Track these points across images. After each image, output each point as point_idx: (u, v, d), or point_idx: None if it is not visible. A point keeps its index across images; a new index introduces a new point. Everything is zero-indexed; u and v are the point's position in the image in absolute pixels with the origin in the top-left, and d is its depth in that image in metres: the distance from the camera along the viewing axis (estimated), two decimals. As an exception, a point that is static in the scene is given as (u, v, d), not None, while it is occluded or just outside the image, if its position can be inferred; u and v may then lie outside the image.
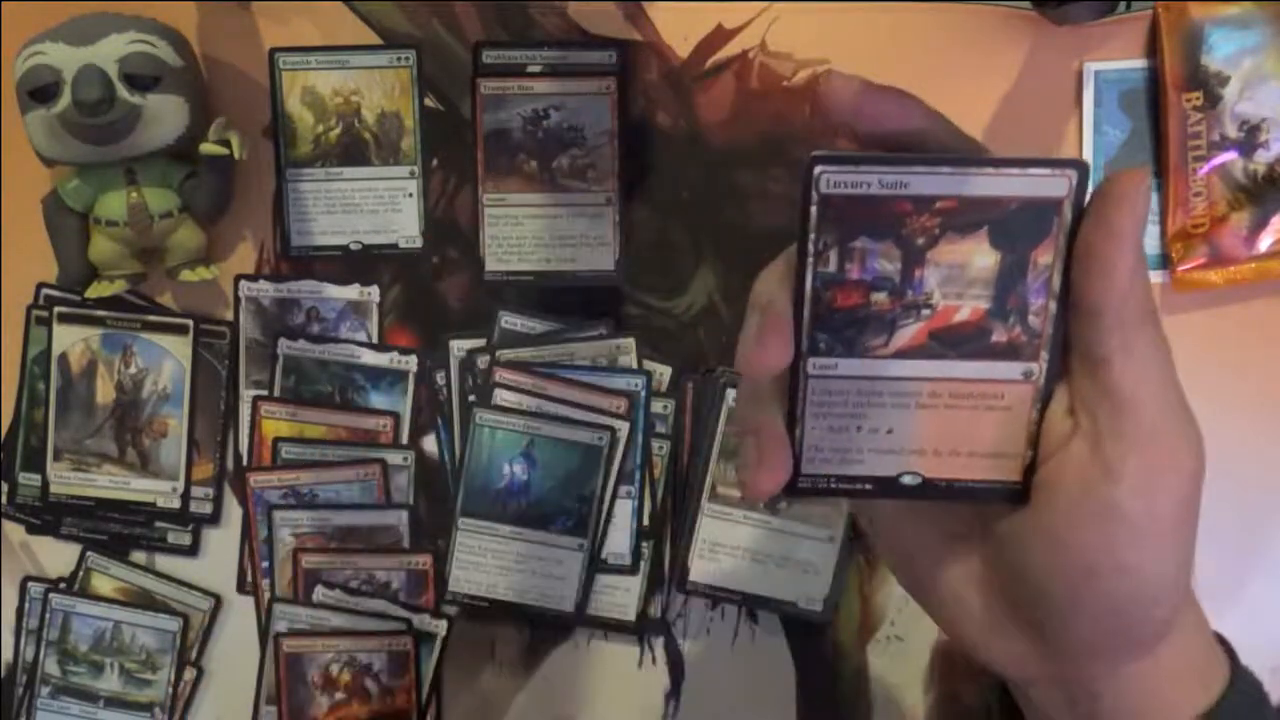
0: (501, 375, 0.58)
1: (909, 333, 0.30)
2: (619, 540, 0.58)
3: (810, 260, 0.29)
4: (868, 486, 0.31)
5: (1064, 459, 0.29)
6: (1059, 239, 0.28)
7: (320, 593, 0.59)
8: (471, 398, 0.58)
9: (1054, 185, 0.28)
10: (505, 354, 0.58)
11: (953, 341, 0.29)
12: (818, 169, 0.28)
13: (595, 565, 0.58)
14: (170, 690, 0.61)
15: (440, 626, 0.59)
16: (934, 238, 0.28)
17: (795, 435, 0.31)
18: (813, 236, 0.28)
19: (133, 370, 0.60)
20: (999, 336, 0.29)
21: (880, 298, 0.29)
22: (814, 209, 0.28)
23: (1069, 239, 0.28)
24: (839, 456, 0.31)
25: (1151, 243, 0.56)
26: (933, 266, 0.29)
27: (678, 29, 0.57)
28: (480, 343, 0.59)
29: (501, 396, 0.58)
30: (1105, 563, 0.29)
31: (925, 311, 0.29)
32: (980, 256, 0.29)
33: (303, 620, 0.60)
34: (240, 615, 0.61)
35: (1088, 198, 0.29)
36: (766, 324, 0.29)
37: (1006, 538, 0.31)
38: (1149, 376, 0.28)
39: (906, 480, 0.31)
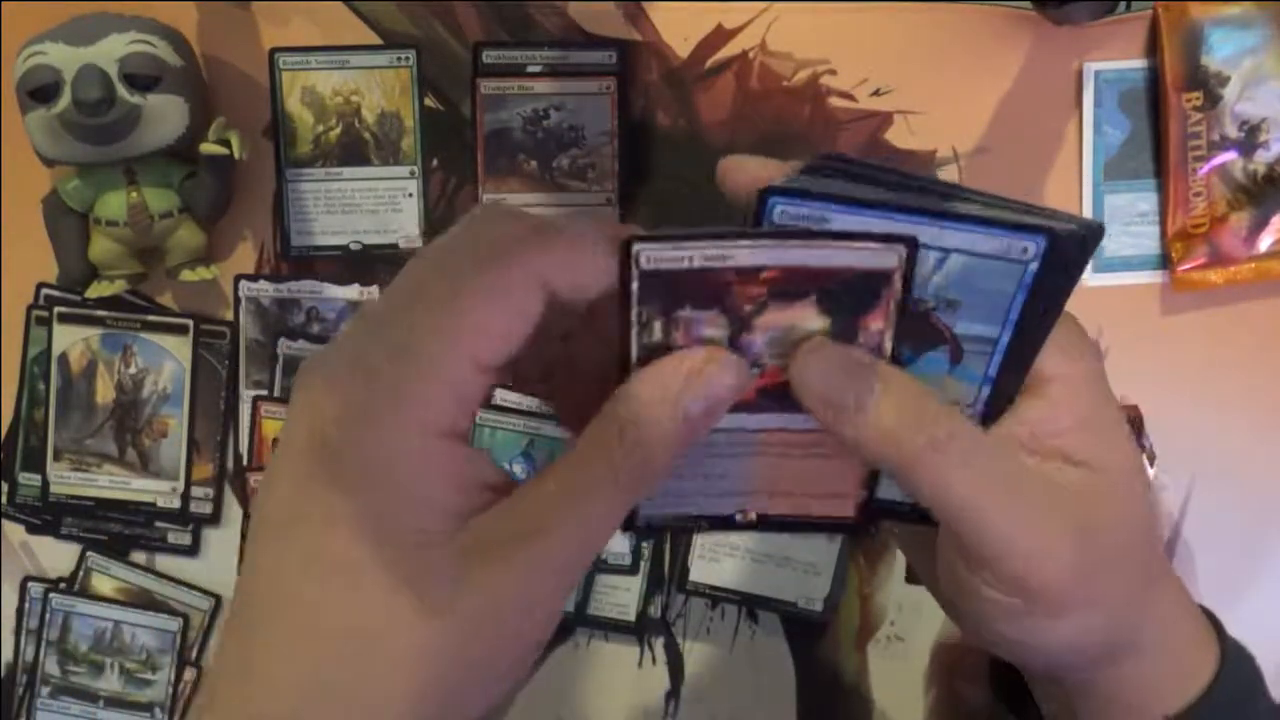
0: (501, 375, 0.58)
1: None
2: (619, 540, 0.58)
3: (635, 331, 0.28)
4: (703, 524, 0.32)
5: (942, 539, 0.30)
6: (889, 306, 0.28)
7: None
8: (471, 398, 0.58)
9: (884, 258, 0.27)
10: (505, 354, 0.58)
11: (780, 397, 0.29)
12: (635, 248, 0.27)
13: (595, 565, 0.58)
14: (170, 690, 0.61)
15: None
16: (761, 305, 0.28)
17: None
18: (635, 311, 0.28)
19: (133, 370, 0.60)
20: None
21: None
22: (634, 285, 0.28)
23: (900, 305, 0.28)
24: (676, 501, 0.31)
25: (1151, 243, 0.56)
26: (760, 331, 0.28)
27: (678, 29, 0.57)
28: (480, 343, 0.58)
29: (501, 396, 0.58)
30: (993, 633, 0.30)
31: (754, 371, 0.29)
32: (809, 320, 0.28)
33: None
34: (240, 615, 0.61)
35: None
36: None
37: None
38: (977, 506, 0.28)
39: (739, 518, 0.32)
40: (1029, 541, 0.28)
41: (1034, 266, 0.27)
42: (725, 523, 0.32)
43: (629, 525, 0.31)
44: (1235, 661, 0.33)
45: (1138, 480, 0.30)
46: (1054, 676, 0.33)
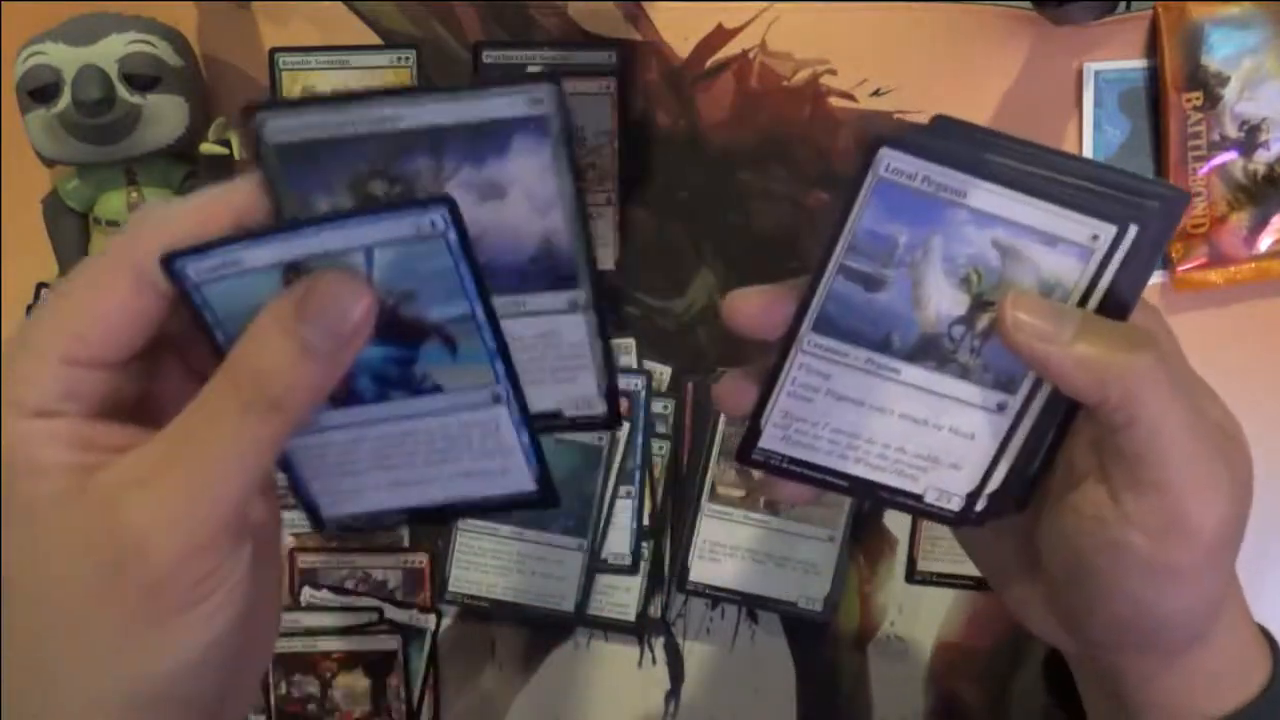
0: (501, 375, 0.58)
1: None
2: (619, 540, 0.58)
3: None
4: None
5: (1085, 491, 0.30)
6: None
7: (307, 594, 0.59)
8: (471, 398, 0.58)
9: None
10: (505, 354, 0.58)
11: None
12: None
13: (595, 565, 0.58)
14: (170, 690, 0.61)
15: (429, 621, 0.59)
16: None
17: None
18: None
19: (132, 370, 0.60)
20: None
21: None
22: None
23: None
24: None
25: (1151, 243, 0.56)
26: None
27: (678, 29, 0.57)
28: (480, 343, 0.58)
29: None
30: (1116, 592, 0.29)
31: None
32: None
33: (299, 621, 0.60)
34: (240, 615, 0.61)
35: None
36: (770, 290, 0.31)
37: (1042, 543, 0.32)
38: (1167, 430, 0.28)
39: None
40: (1201, 476, 0.28)
41: (452, 235, 0.27)
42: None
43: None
44: None
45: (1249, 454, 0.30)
46: (1120, 666, 0.32)
